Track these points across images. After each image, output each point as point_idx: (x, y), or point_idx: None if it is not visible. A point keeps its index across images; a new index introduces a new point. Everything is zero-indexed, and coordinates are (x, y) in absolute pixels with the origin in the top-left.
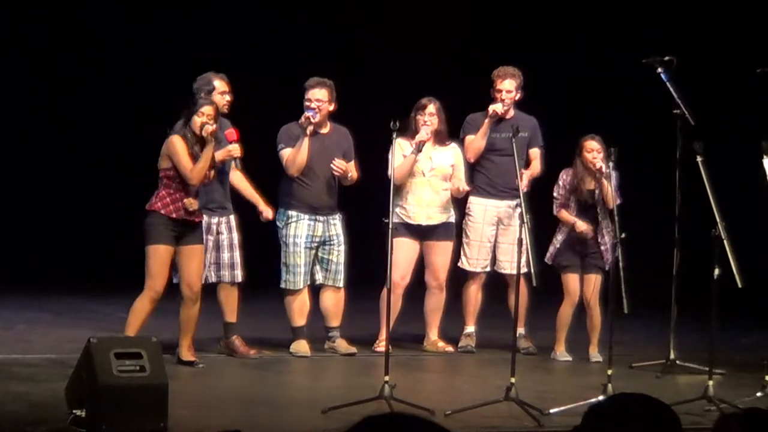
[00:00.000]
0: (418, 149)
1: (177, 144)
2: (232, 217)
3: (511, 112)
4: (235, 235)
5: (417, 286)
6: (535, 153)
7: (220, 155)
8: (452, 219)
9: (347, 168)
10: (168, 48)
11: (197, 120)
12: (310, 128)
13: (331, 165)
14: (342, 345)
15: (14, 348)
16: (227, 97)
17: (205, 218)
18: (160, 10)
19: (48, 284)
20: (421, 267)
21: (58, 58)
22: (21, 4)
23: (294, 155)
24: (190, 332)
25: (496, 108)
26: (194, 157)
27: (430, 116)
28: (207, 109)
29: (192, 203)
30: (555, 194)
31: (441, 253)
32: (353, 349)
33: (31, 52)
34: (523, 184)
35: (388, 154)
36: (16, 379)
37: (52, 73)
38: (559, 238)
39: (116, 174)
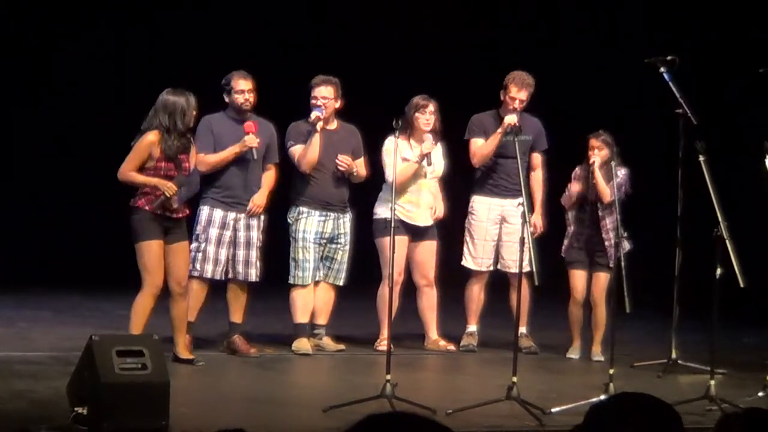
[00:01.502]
0: (426, 161)
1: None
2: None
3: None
4: (254, 234)
5: (412, 286)
6: (538, 159)
7: (236, 147)
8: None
9: (352, 164)
10: (168, 48)
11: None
12: (320, 125)
13: (336, 160)
14: (329, 342)
15: (16, 346)
16: (246, 96)
17: (221, 212)
18: (161, 9)
19: (48, 282)
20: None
21: (58, 58)
22: (21, 3)
23: (305, 152)
24: (183, 329)
25: (511, 121)
26: (164, 154)
27: (431, 114)
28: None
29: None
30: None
31: (428, 251)
32: (341, 347)
33: (31, 52)
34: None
35: (383, 154)
36: (18, 376)
37: (52, 73)
38: (570, 230)
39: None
